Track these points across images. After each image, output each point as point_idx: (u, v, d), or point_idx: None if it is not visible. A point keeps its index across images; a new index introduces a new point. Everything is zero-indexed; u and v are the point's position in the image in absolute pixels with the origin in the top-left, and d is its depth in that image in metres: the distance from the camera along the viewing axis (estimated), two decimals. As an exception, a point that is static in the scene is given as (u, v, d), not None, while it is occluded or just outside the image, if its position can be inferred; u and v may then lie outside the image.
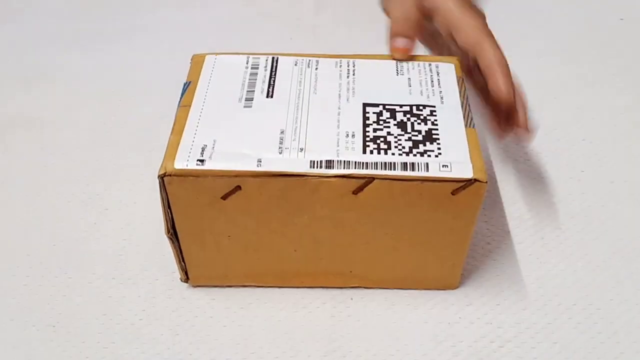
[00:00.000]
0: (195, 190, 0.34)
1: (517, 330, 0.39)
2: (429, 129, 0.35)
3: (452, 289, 0.40)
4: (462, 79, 0.39)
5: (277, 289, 0.40)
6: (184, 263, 0.39)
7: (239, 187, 0.33)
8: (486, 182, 0.33)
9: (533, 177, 0.48)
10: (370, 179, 0.33)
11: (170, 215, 0.35)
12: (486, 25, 0.40)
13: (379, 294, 0.40)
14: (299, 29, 0.61)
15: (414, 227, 0.36)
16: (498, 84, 0.38)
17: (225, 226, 0.36)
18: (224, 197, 0.34)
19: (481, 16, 0.41)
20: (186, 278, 0.40)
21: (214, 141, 0.34)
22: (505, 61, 0.39)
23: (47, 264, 0.42)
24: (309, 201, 0.34)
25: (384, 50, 0.40)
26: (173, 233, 0.36)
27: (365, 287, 0.40)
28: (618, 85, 0.55)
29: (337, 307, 0.40)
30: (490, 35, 0.39)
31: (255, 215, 0.35)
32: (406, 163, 0.33)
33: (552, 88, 0.55)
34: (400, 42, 0.40)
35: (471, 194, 0.34)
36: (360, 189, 0.33)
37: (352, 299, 0.40)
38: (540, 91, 0.54)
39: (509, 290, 0.41)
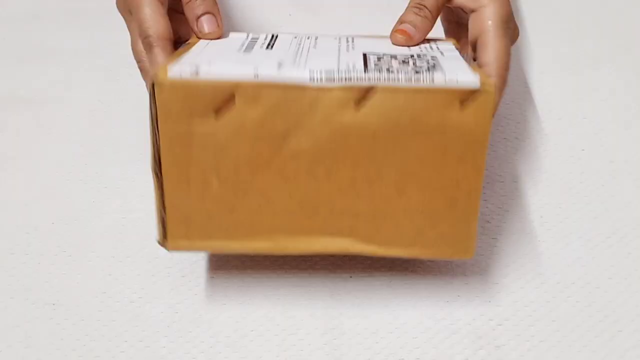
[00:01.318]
0: (187, 102, 0.32)
1: (515, 308, 0.39)
2: (432, 64, 0.34)
3: (468, 257, 0.36)
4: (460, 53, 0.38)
5: (276, 268, 0.40)
6: (164, 211, 0.35)
7: (233, 98, 0.32)
8: (494, 92, 0.32)
9: (533, 155, 0.47)
10: (373, 88, 0.32)
11: (157, 142, 0.33)
12: (509, 55, 0.39)
13: (378, 273, 0.40)
14: (298, 5, 0.60)
15: (420, 160, 0.33)
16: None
17: (214, 158, 0.33)
18: (217, 111, 0.32)
19: (509, 44, 0.40)
20: (164, 235, 0.35)
21: (212, 60, 0.33)
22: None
23: (46, 243, 0.42)
24: (308, 117, 0.32)
25: (386, 31, 0.40)
26: (158, 166, 0.34)
27: (364, 264, 0.40)
28: (619, 64, 0.55)
29: (336, 286, 0.40)
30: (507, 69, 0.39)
31: (248, 140, 0.33)
32: (411, 77, 0.32)
33: (553, 66, 0.55)
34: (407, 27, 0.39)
35: (480, 107, 0.32)
36: (362, 99, 0.32)
37: (351, 277, 0.40)
38: (540, 69, 0.54)
39: (507, 269, 0.41)
